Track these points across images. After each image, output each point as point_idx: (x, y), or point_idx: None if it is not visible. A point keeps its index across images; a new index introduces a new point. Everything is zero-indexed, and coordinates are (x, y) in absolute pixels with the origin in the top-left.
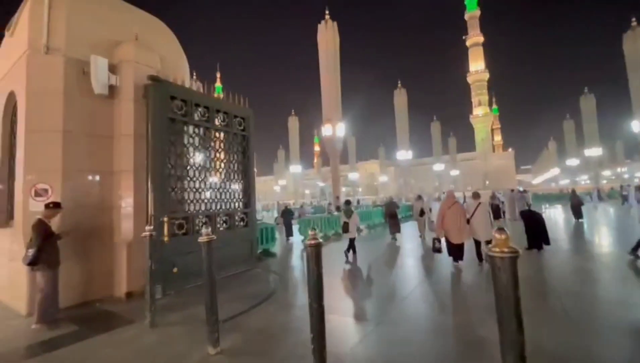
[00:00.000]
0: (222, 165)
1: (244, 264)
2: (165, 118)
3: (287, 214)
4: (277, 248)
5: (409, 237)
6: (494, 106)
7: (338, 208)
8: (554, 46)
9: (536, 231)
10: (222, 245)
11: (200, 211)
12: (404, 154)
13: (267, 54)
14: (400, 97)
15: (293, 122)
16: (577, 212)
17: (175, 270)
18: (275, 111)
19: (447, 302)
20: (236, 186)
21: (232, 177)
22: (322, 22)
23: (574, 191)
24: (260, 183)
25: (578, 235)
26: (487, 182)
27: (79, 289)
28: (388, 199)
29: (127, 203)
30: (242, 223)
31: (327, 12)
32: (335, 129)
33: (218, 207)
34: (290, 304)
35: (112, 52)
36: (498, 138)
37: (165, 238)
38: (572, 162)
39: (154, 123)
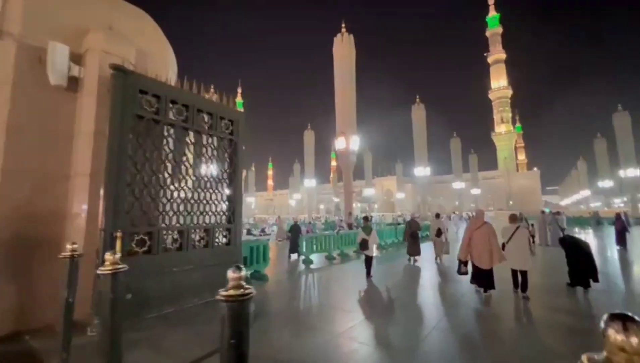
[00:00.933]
0: (203, 173)
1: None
2: (131, 115)
3: (295, 230)
4: (274, 269)
5: (427, 260)
6: (518, 124)
7: (350, 225)
8: (583, 62)
9: (581, 264)
10: (196, 266)
11: (169, 226)
12: (422, 171)
13: (284, 67)
14: (418, 112)
15: (309, 136)
16: (621, 239)
17: (128, 296)
18: (292, 124)
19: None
20: (219, 198)
21: (214, 187)
22: (339, 34)
23: (618, 215)
24: (276, 196)
25: (628, 267)
26: (511, 202)
27: (10, 315)
28: (410, 217)
29: (79, 213)
30: (223, 241)
31: (343, 25)
32: (349, 142)
33: (194, 221)
34: (257, 357)
35: (79, 40)
36: (522, 156)
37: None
38: (605, 184)
39: (115, 119)
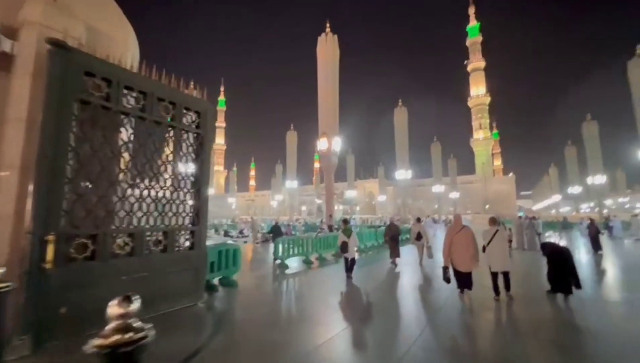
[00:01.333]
0: (162, 169)
1: (184, 299)
2: (73, 99)
3: (276, 232)
4: (249, 274)
5: (409, 263)
6: (495, 130)
7: (330, 228)
8: (558, 72)
9: (563, 270)
10: (152, 274)
11: (119, 228)
12: (403, 174)
13: (267, 66)
14: (400, 115)
15: (291, 137)
16: (595, 243)
17: (62, 310)
18: (275, 124)
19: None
20: (182, 197)
21: (176, 185)
22: (323, 34)
23: (592, 221)
24: (258, 197)
25: (606, 272)
26: (487, 206)
27: None
28: (390, 220)
29: (4, 213)
30: (185, 245)
31: (327, 24)
32: (331, 143)
33: (151, 223)
34: None
35: (15, 12)
36: (498, 162)
37: (48, 265)
38: (574, 189)
39: (51, 103)
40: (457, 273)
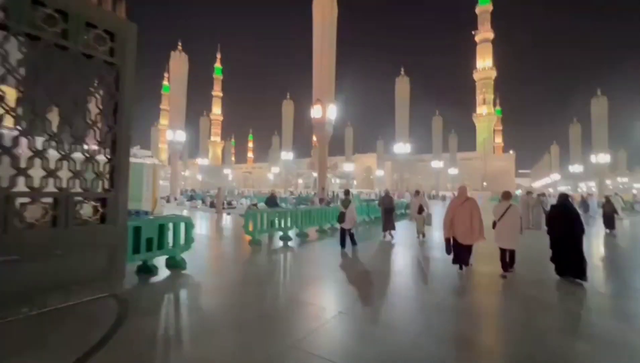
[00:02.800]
0: (59, 113)
1: (91, 288)
2: None
3: (271, 202)
4: (211, 252)
5: (406, 237)
6: (498, 107)
7: (322, 200)
8: (568, 47)
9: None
10: (31, 256)
11: None
12: (402, 147)
13: (263, 28)
14: (402, 85)
15: (287, 107)
16: (609, 222)
17: None
18: (273, 93)
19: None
20: (84, 152)
21: (74, 134)
22: None
23: (607, 198)
24: (255, 169)
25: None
26: (485, 183)
27: None
28: (385, 191)
29: None
30: (95, 216)
31: None
32: (325, 110)
33: (30, 185)
34: None
35: None
36: (499, 139)
37: None
38: (575, 168)
39: None
40: (457, 246)
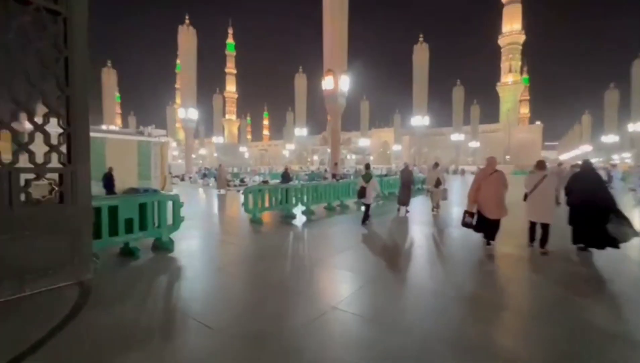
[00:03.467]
0: None
1: (57, 275)
2: None
3: (285, 178)
4: (203, 232)
5: (422, 213)
6: (525, 75)
7: (334, 176)
8: (606, 6)
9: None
10: None
11: None
12: (420, 120)
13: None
14: (420, 54)
15: (300, 81)
16: None
17: None
18: (287, 68)
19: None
20: (32, 121)
21: (21, 100)
22: None
23: None
24: (271, 146)
25: None
26: (508, 157)
27: None
28: (404, 165)
29: None
30: (50, 196)
31: None
32: (337, 82)
33: None
34: None
35: None
36: (525, 110)
37: None
38: (610, 138)
39: None
40: (484, 221)
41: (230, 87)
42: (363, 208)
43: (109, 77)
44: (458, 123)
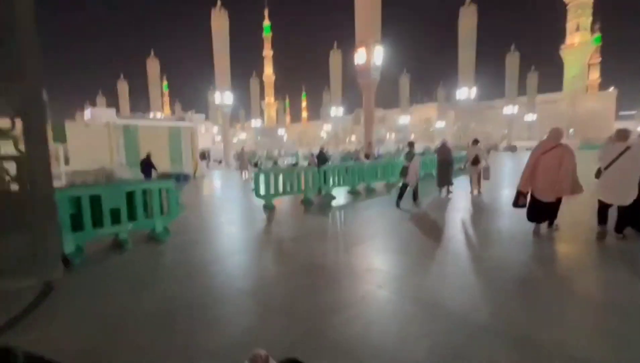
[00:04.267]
0: None
1: (18, 274)
2: None
3: (321, 158)
4: (208, 219)
5: (465, 194)
6: (597, 33)
7: (367, 156)
8: None
9: None
10: None
11: None
12: (466, 93)
13: None
14: (467, 17)
15: (335, 58)
16: None
17: None
18: (323, 46)
19: None
20: None
21: None
22: None
23: None
24: (309, 127)
25: None
26: (572, 130)
27: None
28: (441, 143)
29: None
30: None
31: None
32: (370, 54)
33: None
34: None
35: None
36: (595, 75)
37: None
38: None
39: None
40: (536, 203)
41: (268, 69)
42: (400, 188)
43: (153, 66)
44: (512, 94)
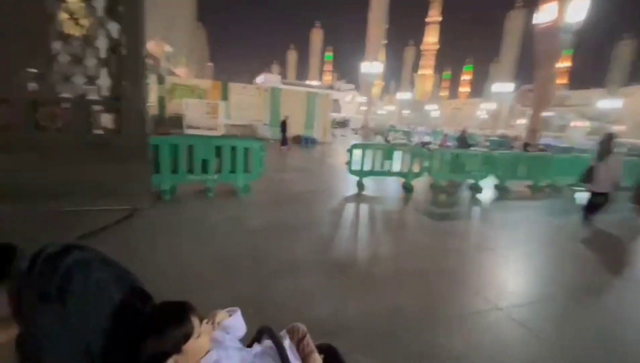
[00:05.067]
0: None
1: (118, 198)
2: None
3: (461, 142)
4: (294, 185)
5: None
6: None
7: (526, 146)
8: None
9: None
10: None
11: None
12: None
13: None
14: None
15: (514, 21)
16: None
17: None
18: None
19: None
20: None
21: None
22: None
23: None
24: (466, 105)
25: None
26: None
27: None
28: None
29: None
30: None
31: None
32: (564, 9)
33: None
34: None
35: None
36: None
37: None
38: None
39: None
40: None
41: (430, 37)
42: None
43: (316, 37)
44: None
